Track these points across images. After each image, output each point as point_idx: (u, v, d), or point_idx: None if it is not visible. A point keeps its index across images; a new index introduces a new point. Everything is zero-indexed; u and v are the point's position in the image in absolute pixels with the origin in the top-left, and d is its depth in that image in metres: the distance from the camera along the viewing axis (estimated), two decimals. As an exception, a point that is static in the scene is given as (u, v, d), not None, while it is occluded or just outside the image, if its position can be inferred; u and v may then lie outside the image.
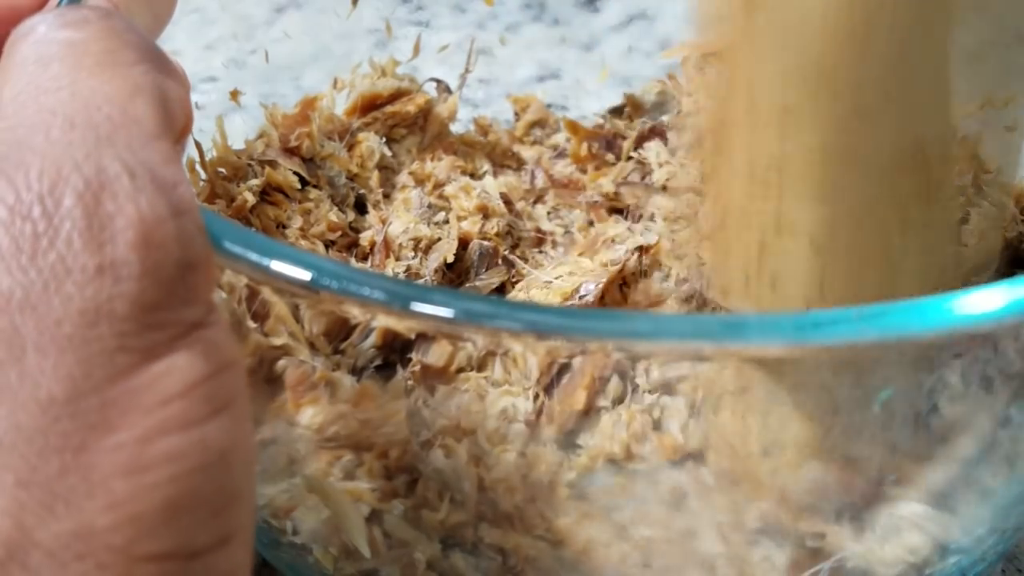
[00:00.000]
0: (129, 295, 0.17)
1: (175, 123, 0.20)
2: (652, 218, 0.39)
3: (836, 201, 0.23)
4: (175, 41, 0.24)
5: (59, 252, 0.17)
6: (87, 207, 0.18)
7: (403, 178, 0.42)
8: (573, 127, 0.45)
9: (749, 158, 0.23)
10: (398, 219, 0.39)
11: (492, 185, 0.40)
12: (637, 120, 0.45)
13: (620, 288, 0.35)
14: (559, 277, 0.35)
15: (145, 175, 0.18)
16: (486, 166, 0.44)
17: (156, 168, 0.19)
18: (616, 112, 0.47)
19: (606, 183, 0.42)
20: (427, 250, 0.38)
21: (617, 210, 0.41)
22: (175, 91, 0.21)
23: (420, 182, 0.42)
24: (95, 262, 0.17)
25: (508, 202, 0.40)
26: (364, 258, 0.39)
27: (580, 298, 0.34)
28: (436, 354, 0.29)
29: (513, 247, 0.39)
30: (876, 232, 0.23)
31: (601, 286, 0.34)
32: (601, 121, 0.46)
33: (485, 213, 0.39)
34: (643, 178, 0.41)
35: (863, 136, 0.22)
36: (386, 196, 0.41)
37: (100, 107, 0.19)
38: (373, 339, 0.30)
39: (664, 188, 0.39)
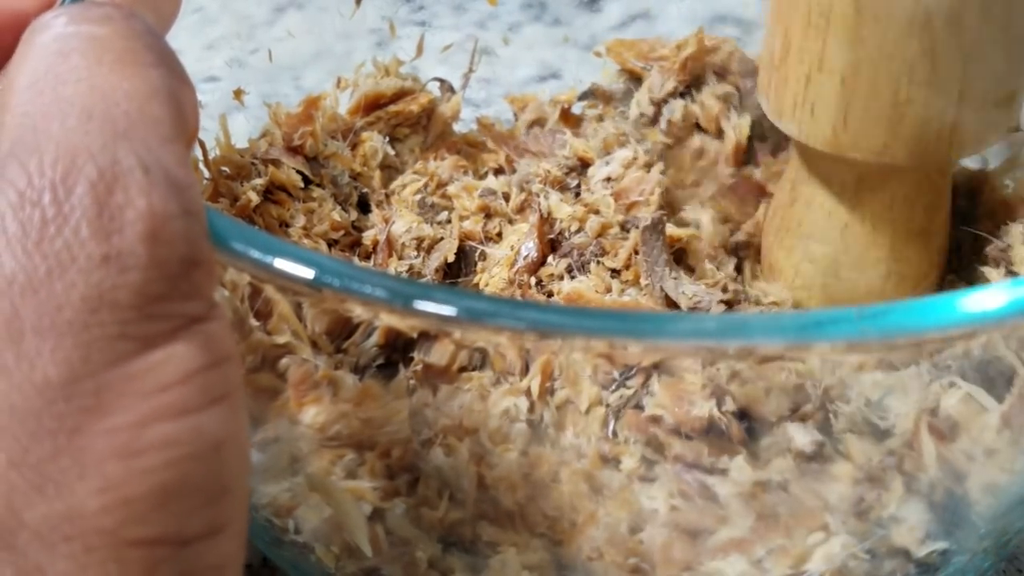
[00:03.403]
0: (133, 285, 0.17)
1: (188, 128, 0.20)
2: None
3: (862, 49, 0.29)
4: (177, 40, 0.24)
5: (66, 240, 0.17)
6: (98, 196, 0.18)
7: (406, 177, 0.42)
8: (566, 117, 0.45)
9: (807, 7, 0.30)
10: (401, 218, 0.39)
11: (494, 184, 0.40)
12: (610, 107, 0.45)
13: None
14: (511, 246, 0.37)
15: (159, 172, 0.18)
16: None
17: (170, 168, 0.19)
18: (586, 97, 0.47)
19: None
20: (429, 249, 0.38)
21: None
22: (189, 97, 0.21)
23: (423, 182, 0.42)
24: (101, 251, 0.17)
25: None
26: (367, 257, 0.39)
27: (524, 258, 0.36)
28: (439, 353, 0.29)
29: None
30: (888, 79, 0.29)
31: (535, 243, 0.36)
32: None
33: (487, 213, 0.39)
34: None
35: (885, 1, 0.29)
36: (388, 195, 0.41)
37: (119, 103, 0.19)
38: (375, 338, 0.30)
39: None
